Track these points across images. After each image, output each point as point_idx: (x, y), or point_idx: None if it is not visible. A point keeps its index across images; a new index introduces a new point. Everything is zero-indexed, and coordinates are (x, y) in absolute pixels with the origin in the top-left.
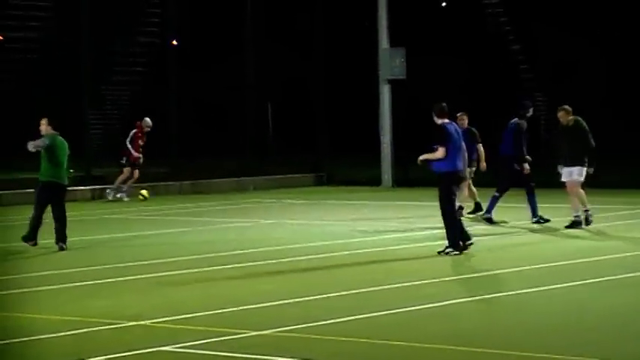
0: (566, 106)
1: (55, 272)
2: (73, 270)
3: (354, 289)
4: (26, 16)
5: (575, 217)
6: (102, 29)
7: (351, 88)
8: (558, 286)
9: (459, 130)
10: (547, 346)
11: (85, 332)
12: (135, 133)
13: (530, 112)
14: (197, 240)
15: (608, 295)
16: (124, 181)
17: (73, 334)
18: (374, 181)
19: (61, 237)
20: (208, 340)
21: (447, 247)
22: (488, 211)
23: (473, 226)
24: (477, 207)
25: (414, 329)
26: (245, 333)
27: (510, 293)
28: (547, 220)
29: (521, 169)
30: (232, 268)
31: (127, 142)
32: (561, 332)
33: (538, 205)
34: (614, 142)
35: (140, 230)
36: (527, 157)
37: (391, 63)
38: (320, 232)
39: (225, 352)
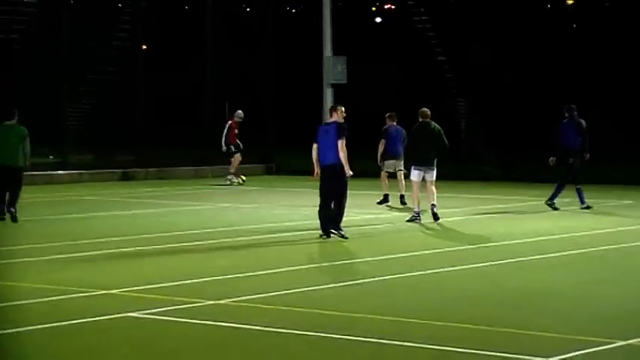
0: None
1: (33, 246)
2: (49, 244)
3: (297, 266)
4: (10, 15)
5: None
6: (80, 33)
7: (300, 91)
8: (477, 265)
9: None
10: (464, 317)
11: (59, 299)
12: (230, 125)
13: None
14: (162, 220)
15: (523, 274)
16: (236, 166)
17: (48, 300)
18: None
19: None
20: (170, 308)
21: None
22: (582, 201)
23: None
24: (385, 198)
25: (348, 302)
26: (202, 302)
27: (438, 271)
28: (556, 209)
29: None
30: (192, 245)
31: (223, 135)
32: (478, 306)
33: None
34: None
35: (113, 210)
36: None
37: (334, 69)
38: (269, 215)
39: (184, 318)
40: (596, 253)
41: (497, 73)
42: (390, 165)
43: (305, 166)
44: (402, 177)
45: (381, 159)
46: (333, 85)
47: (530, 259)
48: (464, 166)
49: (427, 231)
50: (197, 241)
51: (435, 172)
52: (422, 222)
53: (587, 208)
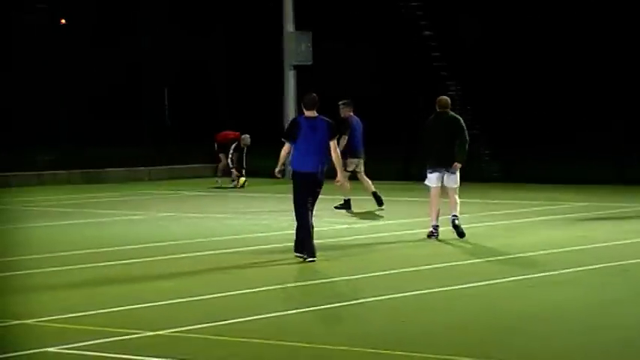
0: None
1: None
2: None
3: (255, 288)
4: None
5: None
6: None
7: (254, 74)
8: (462, 286)
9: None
10: (456, 347)
11: None
12: (238, 143)
13: None
14: (86, 234)
15: (515, 297)
16: (224, 167)
17: None
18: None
19: None
20: (98, 341)
21: None
22: None
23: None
24: (346, 204)
25: (317, 329)
26: (139, 333)
27: (415, 293)
28: None
29: None
30: (126, 264)
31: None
32: (472, 334)
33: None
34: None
35: (25, 222)
36: None
37: (296, 48)
38: (219, 227)
39: (116, 353)
40: (618, 268)
41: (497, 50)
42: (353, 164)
43: (264, 167)
44: (364, 175)
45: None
46: (295, 68)
47: (540, 276)
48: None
49: (415, 244)
50: (132, 258)
51: (457, 175)
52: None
53: None
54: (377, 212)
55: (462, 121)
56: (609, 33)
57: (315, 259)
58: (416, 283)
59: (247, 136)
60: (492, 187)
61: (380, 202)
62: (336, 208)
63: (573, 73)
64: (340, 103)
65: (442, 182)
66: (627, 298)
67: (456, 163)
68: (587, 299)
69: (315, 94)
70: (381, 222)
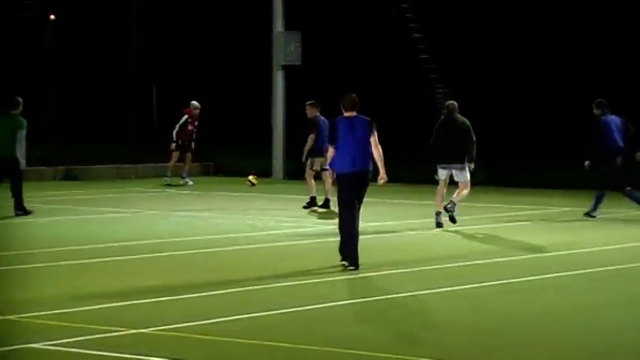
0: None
1: None
2: None
3: (240, 287)
4: None
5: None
6: None
7: (243, 73)
8: (454, 288)
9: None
10: (441, 350)
11: None
12: (186, 119)
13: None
14: (71, 231)
15: (502, 300)
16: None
17: None
18: (264, 173)
19: None
20: (81, 338)
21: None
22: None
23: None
24: (312, 202)
25: (301, 330)
26: (122, 331)
27: (406, 294)
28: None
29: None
30: (110, 261)
31: (177, 127)
32: (456, 335)
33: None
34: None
35: (9, 219)
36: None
37: (285, 48)
38: (206, 225)
39: (98, 350)
40: (604, 273)
41: (485, 53)
42: (318, 163)
43: (251, 167)
44: (329, 177)
45: (308, 155)
46: (284, 68)
47: (527, 280)
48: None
49: (399, 244)
50: (117, 256)
51: (466, 172)
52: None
53: (591, 216)
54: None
55: (469, 123)
56: (599, 38)
57: (355, 267)
58: (400, 285)
59: (193, 102)
60: (478, 190)
61: (327, 207)
62: (304, 207)
63: (561, 77)
64: (307, 103)
65: (451, 177)
66: (613, 303)
67: (471, 164)
68: (573, 304)
69: (354, 95)
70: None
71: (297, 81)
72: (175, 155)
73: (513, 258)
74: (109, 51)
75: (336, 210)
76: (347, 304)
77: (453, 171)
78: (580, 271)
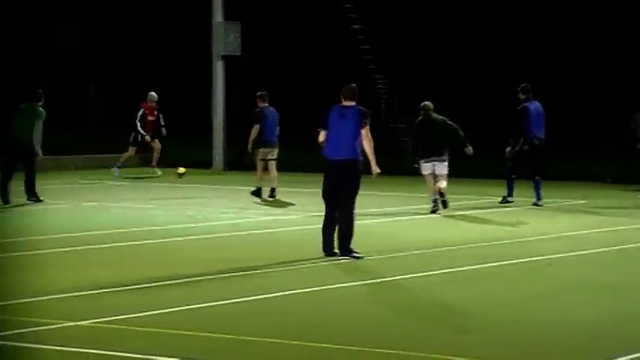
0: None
1: None
2: None
3: (180, 279)
4: None
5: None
6: None
7: (182, 64)
8: (386, 279)
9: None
10: (374, 339)
11: None
12: (142, 112)
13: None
14: (6, 222)
15: (438, 290)
16: (127, 160)
17: None
18: (204, 163)
19: None
20: (17, 331)
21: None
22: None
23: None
24: (258, 191)
25: (245, 321)
26: (60, 323)
27: (339, 286)
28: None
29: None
30: (49, 253)
31: (137, 122)
32: (391, 325)
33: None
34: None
35: None
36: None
37: (225, 38)
38: (145, 217)
39: (35, 343)
40: (542, 262)
41: (425, 44)
42: (264, 153)
43: (192, 158)
44: (274, 168)
45: (253, 146)
46: (224, 58)
47: (466, 269)
48: (387, 157)
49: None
50: (53, 248)
51: (446, 164)
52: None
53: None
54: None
55: (446, 119)
56: (531, 30)
57: (332, 255)
58: (340, 276)
59: (151, 93)
60: (423, 180)
61: (272, 196)
62: (252, 193)
63: (500, 66)
64: (257, 94)
65: (434, 170)
66: (549, 293)
67: (469, 147)
68: (509, 293)
69: (354, 85)
70: (294, 215)
71: (238, 72)
72: (132, 150)
73: (453, 248)
74: (46, 43)
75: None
76: (287, 294)
77: (435, 163)
78: (519, 260)
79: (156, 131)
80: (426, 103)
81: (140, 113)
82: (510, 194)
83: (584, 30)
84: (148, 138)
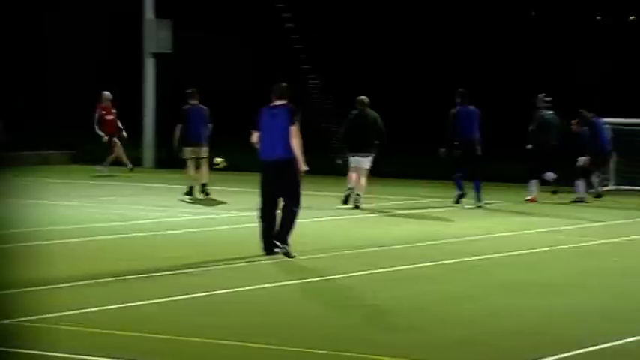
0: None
1: None
2: None
3: (108, 278)
4: None
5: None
6: None
7: (112, 61)
8: (320, 278)
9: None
10: (297, 338)
11: None
12: (99, 113)
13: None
14: None
15: (365, 291)
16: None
17: None
18: (135, 161)
19: None
20: None
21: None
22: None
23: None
24: (190, 191)
25: (174, 321)
26: None
27: (267, 285)
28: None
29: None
30: None
31: (96, 126)
32: (321, 326)
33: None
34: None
35: None
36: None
37: (156, 35)
38: (76, 215)
39: None
40: (467, 263)
41: (358, 44)
42: (190, 153)
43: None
44: (205, 166)
45: (179, 145)
46: (155, 56)
47: (391, 271)
48: (317, 156)
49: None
50: None
51: (369, 159)
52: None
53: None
54: (217, 204)
55: (378, 118)
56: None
57: (269, 254)
58: (272, 275)
59: (104, 92)
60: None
61: (191, 194)
62: (185, 194)
63: (424, 69)
64: (186, 91)
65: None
66: (478, 293)
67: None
68: (439, 293)
69: (284, 84)
70: (226, 214)
71: (170, 70)
72: (115, 144)
73: (386, 248)
74: None
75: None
76: (212, 294)
77: (359, 158)
78: (447, 261)
79: (117, 129)
80: (362, 97)
81: (97, 115)
82: (461, 188)
83: (517, 32)
84: (105, 139)
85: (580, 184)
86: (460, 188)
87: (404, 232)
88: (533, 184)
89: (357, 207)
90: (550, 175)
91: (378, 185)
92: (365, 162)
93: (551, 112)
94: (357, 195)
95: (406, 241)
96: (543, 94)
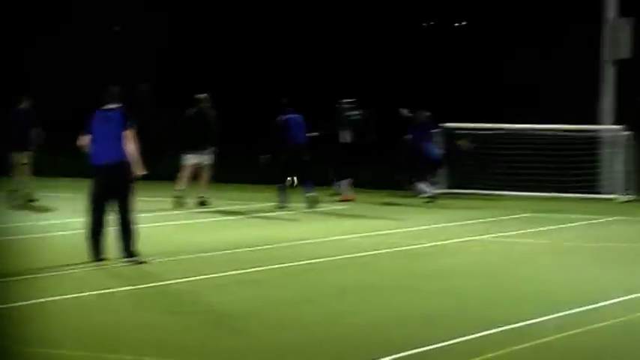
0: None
1: None
2: None
3: None
4: None
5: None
6: None
7: None
8: (151, 285)
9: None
10: (126, 345)
11: None
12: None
13: None
14: None
15: (195, 296)
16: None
17: None
18: None
19: None
20: None
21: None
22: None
23: None
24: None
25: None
26: None
27: (111, 290)
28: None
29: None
30: None
31: None
32: (146, 332)
33: None
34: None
35: None
36: None
37: None
38: None
39: None
40: (303, 267)
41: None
42: (17, 158)
43: None
44: (27, 171)
45: (10, 150)
46: None
47: (225, 275)
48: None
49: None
50: None
51: (211, 157)
52: None
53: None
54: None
55: (214, 117)
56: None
57: (97, 260)
58: (95, 283)
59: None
60: (190, 184)
61: (17, 200)
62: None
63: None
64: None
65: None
66: (312, 297)
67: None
68: (273, 297)
69: (116, 88)
70: (55, 220)
71: None
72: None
73: (220, 252)
74: None
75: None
76: (41, 302)
77: (202, 157)
78: (277, 266)
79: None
80: (202, 95)
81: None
82: (284, 200)
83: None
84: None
85: (421, 185)
86: (283, 198)
87: (239, 237)
88: (346, 184)
89: (202, 204)
90: (422, 187)
91: (215, 190)
92: (206, 159)
93: (357, 112)
94: (201, 196)
95: (241, 246)
96: (347, 99)
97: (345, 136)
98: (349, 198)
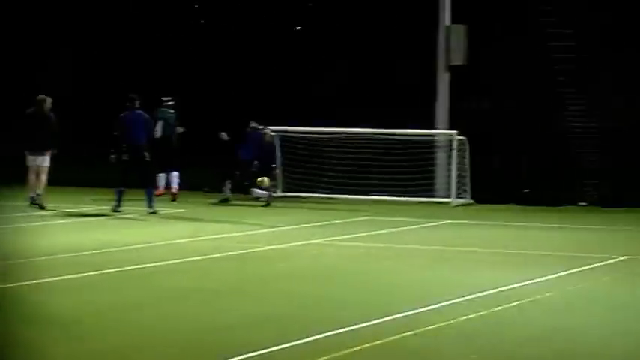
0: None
1: None
2: None
3: None
4: None
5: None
6: None
7: None
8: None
9: None
10: None
11: None
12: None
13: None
14: None
15: (56, 296)
16: None
17: None
18: None
19: None
20: None
21: None
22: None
23: None
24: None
25: None
26: None
27: None
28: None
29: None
30: None
31: None
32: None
33: None
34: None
35: None
36: None
37: None
38: None
39: None
40: (139, 271)
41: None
42: None
43: None
44: None
45: None
46: None
47: (55, 280)
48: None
49: None
50: None
51: (47, 158)
52: None
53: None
54: None
55: (55, 116)
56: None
57: None
58: None
59: None
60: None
61: None
62: None
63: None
64: None
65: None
66: (149, 301)
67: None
68: (109, 301)
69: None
70: None
71: None
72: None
73: (57, 256)
74: None
75: None
76: None
77: (39, 158)
78: (114, 270)
79: None
80: (42, 96)
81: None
82: (119, 201)
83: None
84: None
85: (257, 190)
86: (119, 201)
87: (73, 241)
88: (162, 179)
89: (41, 207)
90: (257, 192)
91: (50, 193)
92: (45, 160)
93: (172, 111)
94: (38, 194)
95: (74, 250)
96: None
97: (157, 132)
98: (161, 193)
